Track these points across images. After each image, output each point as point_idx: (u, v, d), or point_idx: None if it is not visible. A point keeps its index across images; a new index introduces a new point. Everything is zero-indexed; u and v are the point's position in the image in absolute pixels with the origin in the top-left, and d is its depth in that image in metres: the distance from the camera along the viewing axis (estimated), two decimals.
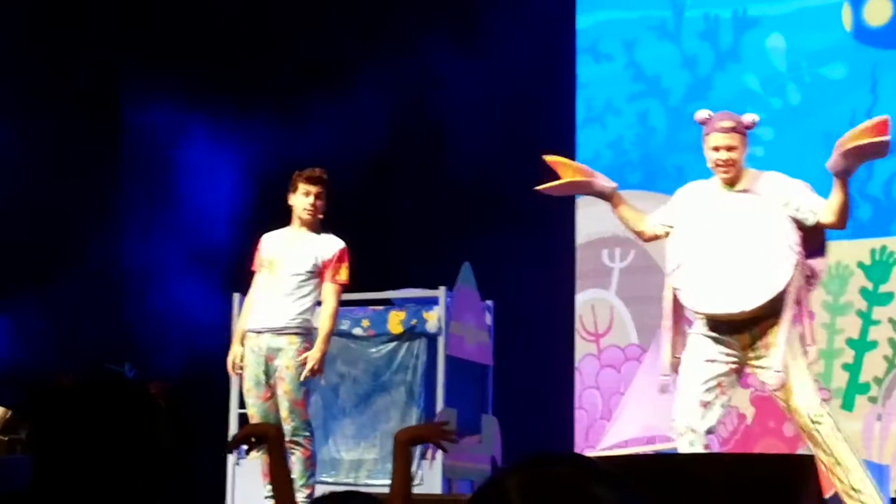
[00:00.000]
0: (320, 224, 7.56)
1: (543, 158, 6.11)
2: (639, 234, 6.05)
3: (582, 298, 11.21)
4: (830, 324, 10.20)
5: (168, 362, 10.83)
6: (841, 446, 5.37)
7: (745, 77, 11.22)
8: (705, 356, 5.55)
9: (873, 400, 10.37)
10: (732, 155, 5.63)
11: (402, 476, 3.61)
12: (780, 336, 5.41)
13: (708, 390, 5.53)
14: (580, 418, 10.85)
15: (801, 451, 9.08)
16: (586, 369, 10.98)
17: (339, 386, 9.80)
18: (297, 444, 7.24)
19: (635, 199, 7.00)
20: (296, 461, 7.25)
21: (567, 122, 11.64)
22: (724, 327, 5.53)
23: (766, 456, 4.99)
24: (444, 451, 4.13)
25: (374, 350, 9.80)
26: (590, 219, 10.91)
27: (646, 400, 9.06)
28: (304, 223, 7.48)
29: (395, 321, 9.77)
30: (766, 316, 5.45)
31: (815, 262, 5.61)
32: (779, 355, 5.39)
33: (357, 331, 9.80)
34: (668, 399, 9.05)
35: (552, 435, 10.69)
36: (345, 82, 11.60)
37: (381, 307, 9.96)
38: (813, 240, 5.57)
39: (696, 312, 5.61)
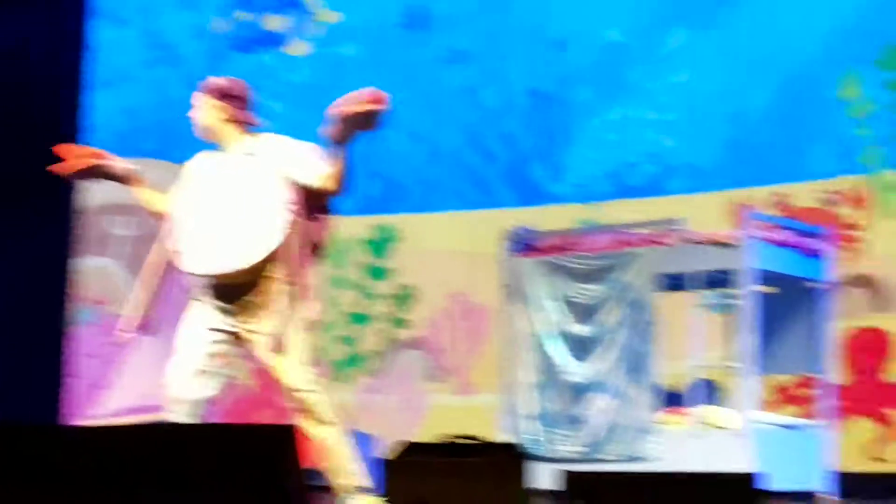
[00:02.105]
0: None
1: (54, 150, 5.85)
2: (159, 216, 5.83)
3: (84, 265, 10.99)
4: (330, 296, 10.42)
5: None
6: (328, 422, 5.42)
7: (263, 54, 11.35)
8: (205, 324, 5.49)
9: (368, 373, 10.69)
10: (193, 113, 5.62)
11: None
12: (274, 301, 5.40)
13: (205, 358, 5.48)
14: (75, 386, 10.65)
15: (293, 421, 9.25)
16: (84, 337, 10.79)
17: None
18: None
19: (150, 167, 6.91)
20: None
21: (80, 86, 11.38)
22: (223, 292, 5.45)
23: (247, 426, 5.01)
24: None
25: None
26: (96, 185, 10.73)
27: (144, 369, 8.97)
28: None
29: None
30: (263, 281, 5.42)
31: (318, 230, 5.60)
32: (272, 321, 5.38)
33: None
34: (167, 368, 9.01)
35: (45, 403, 10.44)
36: None
37: None
38: (317, 206, 5.57)
39: (193, 275, 5.52)
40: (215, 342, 5.50)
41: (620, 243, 8.16)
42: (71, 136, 10.99)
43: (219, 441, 3.80)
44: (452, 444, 4.77)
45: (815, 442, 7.88)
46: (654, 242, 8.03)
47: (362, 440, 7.84)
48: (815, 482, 7.85)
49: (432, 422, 10.33)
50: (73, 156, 5.72)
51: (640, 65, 10.40)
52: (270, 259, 5.39)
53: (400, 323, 10.70)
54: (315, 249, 5.61)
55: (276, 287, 5.44)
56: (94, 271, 11.00)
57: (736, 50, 10.03)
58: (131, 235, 11.02)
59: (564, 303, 8.12)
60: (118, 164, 5.76)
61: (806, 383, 8.98)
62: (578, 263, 8.14)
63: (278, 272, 5.43)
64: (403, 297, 10.68)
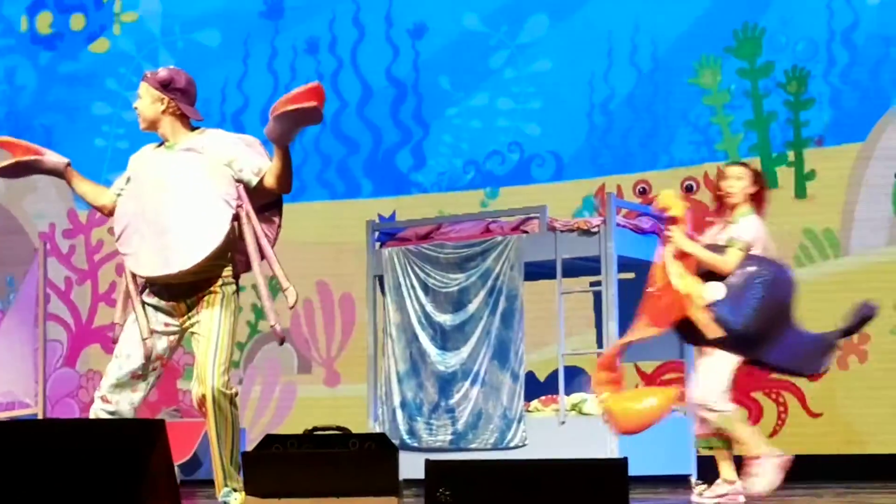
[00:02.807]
0: None
1: None
2: (101, 209, 5.64)
3: None
4: None
5: None
6: (232, 424, 5.32)
7: (120, 40, 11.20)
8: (149, 326, 5.33)
9: (235, 364, 10.60)
10: (137, 104, 5.48)
11: None
12: (217, 299, 5.26)
13: (144, 365, 5.33)
14: None
15: (152, 415, 9.13)
16: None
17: None
18: None
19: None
20: None
21: None
22: (165, 293, 5.35)
23: (112, 421, 4.93)
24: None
25: None
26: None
27: (4, 365, 8.79)
28: None
29: None
30: (206, 280, 5.29)
31: (267, 228, 5.48)
32: (213, 320, 5.24)
33: None
34: (28, 365, 8.85)
35: None
36: None
37: None
38: (265, 204, 5.44)
39: (140, 276, 5.36)
40: (159, 349, 5.35)
41: (484, 232, 8.19)
42: None
43: (89, 435, 3.74)
44: (317, 435, 4.73)
45: (680, 427, 7.98)
46: (517, 230, 8.07)
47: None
48: (680, 467, 7.95)
49: (300, 413, 10.28)
50: (8, 149, 5.51)
51: (500, 52, 10.44)
52: (215, 257, 5.25)
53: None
54: (262, 247, 5.44)
55: (221, 285, 5.31)
56: None
57: (597, 38, 10.11)
58: None
59: (430, 292, 8.13)
60: (52, 157, 5.55)
61: (669, 368, 9.09)
62: (443, 252, 8.15)
63: (224, 270, 5.31)
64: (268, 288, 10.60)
